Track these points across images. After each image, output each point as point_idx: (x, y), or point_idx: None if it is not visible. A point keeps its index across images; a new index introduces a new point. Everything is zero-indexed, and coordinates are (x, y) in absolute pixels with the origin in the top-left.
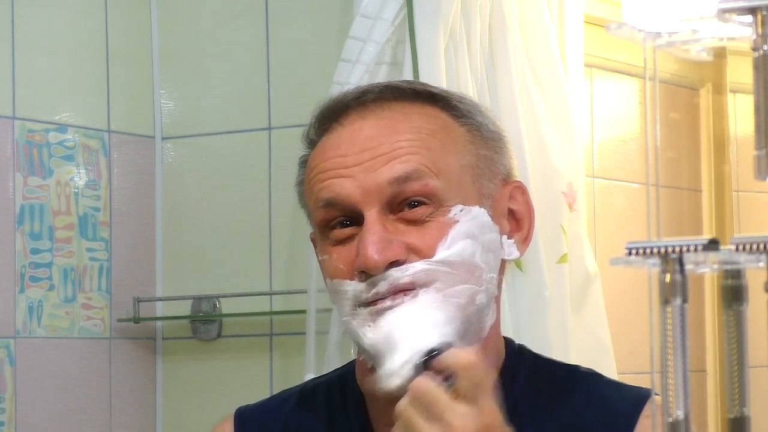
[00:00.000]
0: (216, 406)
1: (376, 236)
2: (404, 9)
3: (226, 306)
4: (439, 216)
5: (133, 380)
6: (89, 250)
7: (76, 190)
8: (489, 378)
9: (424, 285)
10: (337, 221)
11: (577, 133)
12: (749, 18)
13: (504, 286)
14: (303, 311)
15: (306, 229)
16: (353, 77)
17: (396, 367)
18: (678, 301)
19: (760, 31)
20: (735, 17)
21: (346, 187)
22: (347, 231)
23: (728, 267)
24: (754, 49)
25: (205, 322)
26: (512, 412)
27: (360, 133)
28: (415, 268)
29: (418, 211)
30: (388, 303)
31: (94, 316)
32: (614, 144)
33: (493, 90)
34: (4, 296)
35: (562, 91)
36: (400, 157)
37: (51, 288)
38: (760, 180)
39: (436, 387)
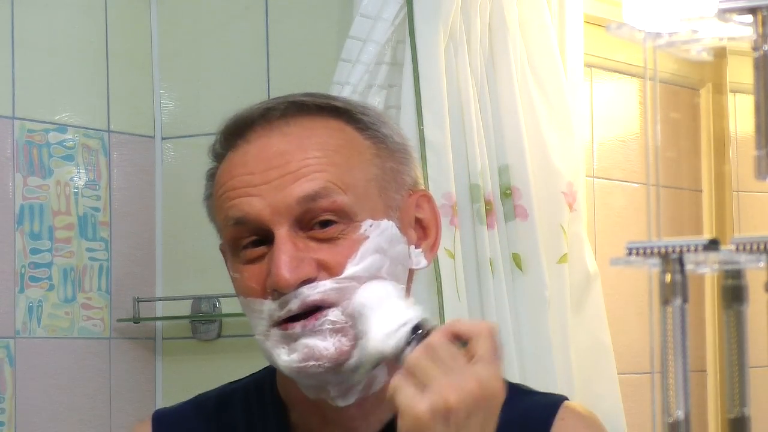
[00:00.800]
0: None
1: (287, 255)
2: (404, 9)
3: (226, 306)
4: (350, 233)
5: (133, 380)
6: (89, 250)
7: (76, 190)
8: (501, 348)
9: (334, 303)
10: (249, 241)
11: (577, 133)
12: (749, 18)
13: (503, 286)
14: None
15: None
16: (353, 77)
17: (385, 333)
18: (678, 301)
19: (760, 30)
20: (735, 17)
21: (254, 206)
22: (258, 251)
23: (728, 267)
24: (755, 49)
25: (205, 322)
26: None
27: (266, 150)
28: (325, 286)
29: (329, 230)
30: (298, 329)
31: (94, 316)
32: (614, 144)
33: (493, 90)
34: (4, 296)
35: (562, 91)
36: (308, 175)
37: (51, 288)
38: (760, 180)
39: (452, 344)
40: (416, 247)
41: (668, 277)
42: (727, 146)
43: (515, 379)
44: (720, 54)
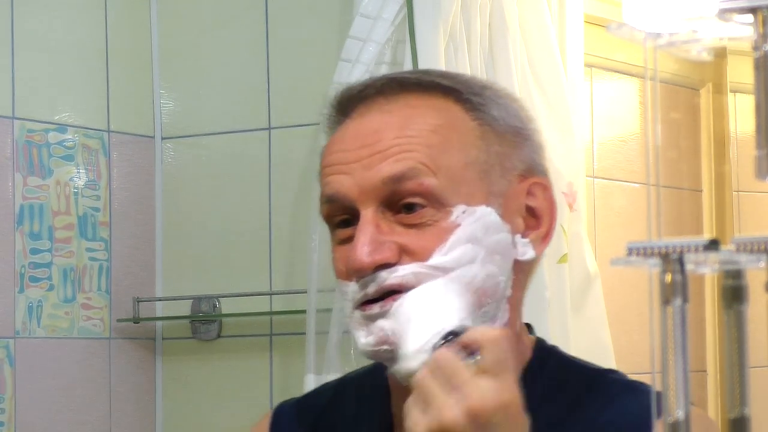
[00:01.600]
0: (216, 406)
1: (366, 237)
2: (404, 9)
3: (226, 306)
4: (439, 220)
5: (133, 380)
6: (89, 250)
7: (76, 190)
8: (513, 358)
9: (414, 288)
10: (340, 219)
11: (577, 133)
12: (750, 18)
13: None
14: (303, 311)
15: (305, 229)
16: (353, 77)
17: (415, 349)
18: (678, 301)
19: (760, 30)
20: (735, 17)
21: (344, 184)
22: (348, 231)
23: (728, 267)
24: (755, 49)
25: (204, 322)
26: (530, 414)
27: (362, 127)
28: (404, 270)
29: (417, 215)
30: (377, 310)
31: (94, 316)
32: (614, 144)
33: None
34: (4, 296)
35: (562, 91)
36: (397, 155)
37: (51, 288)
38: (760, 180)
39: (458, 359)
40: (523, 237)
41: (668, 277)
42: (727, 146)
43: None
44: (720, 54)
